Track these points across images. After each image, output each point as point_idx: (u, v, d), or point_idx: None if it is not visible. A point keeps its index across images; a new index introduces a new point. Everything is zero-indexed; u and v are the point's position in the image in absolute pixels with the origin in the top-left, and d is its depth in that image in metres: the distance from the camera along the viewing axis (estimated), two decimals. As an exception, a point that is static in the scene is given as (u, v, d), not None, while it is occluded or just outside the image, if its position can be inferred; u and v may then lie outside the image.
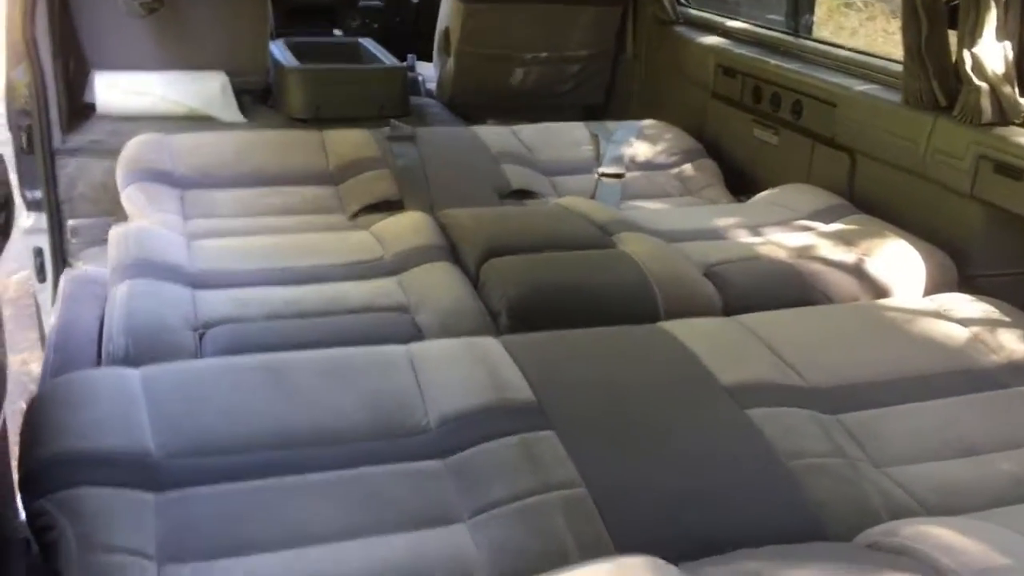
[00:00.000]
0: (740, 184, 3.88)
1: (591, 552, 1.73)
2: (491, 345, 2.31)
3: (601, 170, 3.83)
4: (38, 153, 3.79)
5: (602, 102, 4.93)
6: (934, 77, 2.97)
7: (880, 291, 2.81)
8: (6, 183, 2.00)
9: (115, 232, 2.87)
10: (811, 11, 4.19)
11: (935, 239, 2.99)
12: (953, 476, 2.07)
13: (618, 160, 3.90)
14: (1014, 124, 2.84)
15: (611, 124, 4.17)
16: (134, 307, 2.41)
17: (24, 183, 3.87)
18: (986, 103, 2.83)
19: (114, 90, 4.18)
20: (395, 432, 2.03)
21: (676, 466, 1.99)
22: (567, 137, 4.05)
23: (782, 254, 2.93)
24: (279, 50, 4.53)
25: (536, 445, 1.99)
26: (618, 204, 3.61)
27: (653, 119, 4.21)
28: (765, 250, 2.95)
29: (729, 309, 2.68)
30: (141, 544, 1.69)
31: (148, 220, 3.14)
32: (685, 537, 1.81)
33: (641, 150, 3.99)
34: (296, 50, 4.53)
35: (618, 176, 3.81)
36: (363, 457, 1.96)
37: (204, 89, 4.27)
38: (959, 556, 1.67)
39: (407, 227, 3.02)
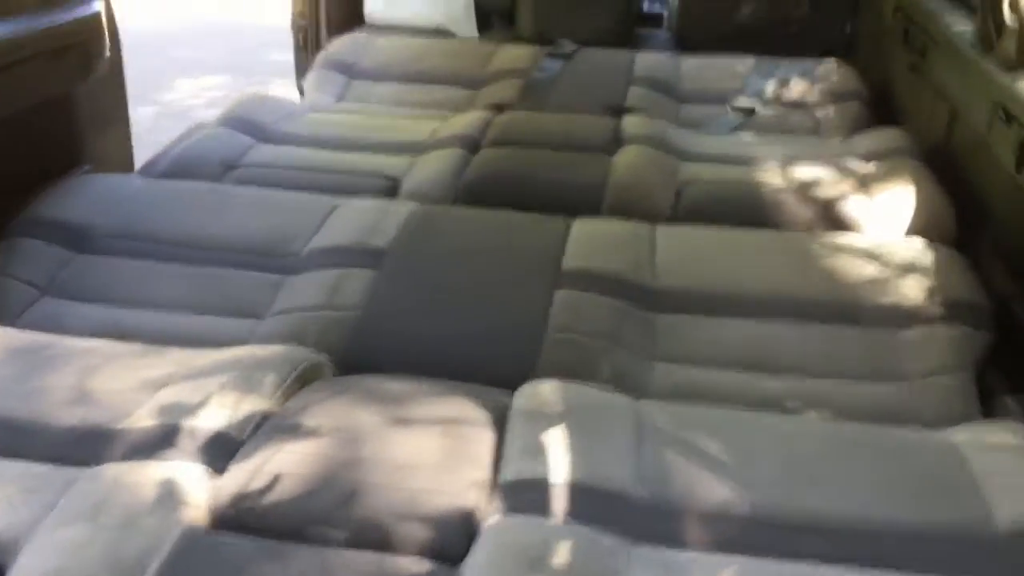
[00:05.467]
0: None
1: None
2: (401, 209, 2.69)
3: (733, 104, 3.87)
4: (311, 50, 4.69)
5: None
6: (991, 19, 2.72)
7: (843, 225, 2.70)
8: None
9: (238, 94, 3.61)
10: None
11: (965, 190, 2.76)
12: (707, 383, 2.10)
13: (758, 95, 3.90)
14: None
15: (783, 61, 4.13)
16: (195, 141, 3.14)
17: (300, 74, 4.81)
18: (1013, 46, 2.56)
19: (379, 3, 4.98)
20: (273, 252, 2.53)
21: (444, 314, 2.26)
22: (726, 70, 4.09)
23: (776, 181, 2.90)
24: None
25: (348, 278, 2.37)
26: (726, 134, 3.66)
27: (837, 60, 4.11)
28: (760, 177, 2.94)
29: (676, 220, 2.77)
30: (36, 279, 2.39)
31: (306, 98, 3.88)
32: (394, 362, 2.09)
33: (795, 88, 3.94)
34: None
35: (747, 111, 3.82)
36: (235, 263, 2.49)
37: (451, 7, 4.90)
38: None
39: (461, 121, 3.42)
